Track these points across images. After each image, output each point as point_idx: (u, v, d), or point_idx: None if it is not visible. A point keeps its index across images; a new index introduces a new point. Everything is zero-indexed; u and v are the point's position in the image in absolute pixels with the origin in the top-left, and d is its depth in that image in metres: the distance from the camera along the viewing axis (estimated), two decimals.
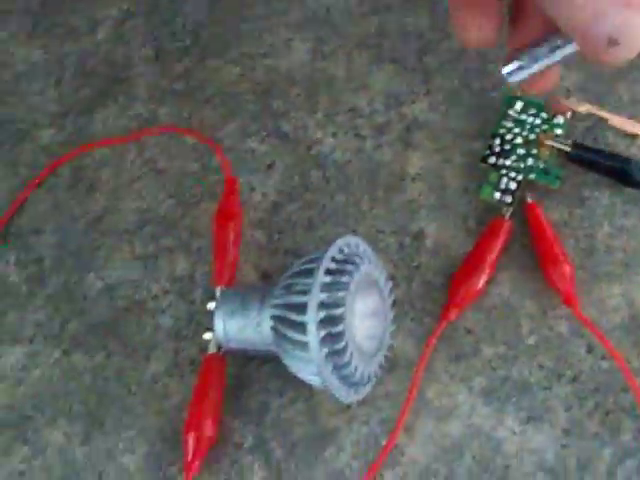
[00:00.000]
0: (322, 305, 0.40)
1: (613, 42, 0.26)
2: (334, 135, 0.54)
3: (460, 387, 0.46)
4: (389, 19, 0.58)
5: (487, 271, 0.47)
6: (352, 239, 0.43)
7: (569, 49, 0.30)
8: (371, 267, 0.43)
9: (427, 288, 0.49)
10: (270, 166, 0.54)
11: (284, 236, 0.52)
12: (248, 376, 0.48)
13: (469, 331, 0.47)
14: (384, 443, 0.45)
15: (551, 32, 0.30)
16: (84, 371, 0.49)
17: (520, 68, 0.31)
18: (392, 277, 0.49)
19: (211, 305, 0.46)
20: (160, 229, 0.53)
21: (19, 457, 0.47)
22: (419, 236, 0.50)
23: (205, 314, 0.49)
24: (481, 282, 0.47)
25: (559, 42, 0.30)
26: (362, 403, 0.46)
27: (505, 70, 0.32)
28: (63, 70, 0.61)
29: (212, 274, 0.51)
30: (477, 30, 0.32)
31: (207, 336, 0.47)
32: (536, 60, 0.31)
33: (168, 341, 0.49)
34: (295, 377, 0.46)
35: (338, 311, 0.40)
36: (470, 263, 0.48)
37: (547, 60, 0.31)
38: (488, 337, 0.47)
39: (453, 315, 0.47)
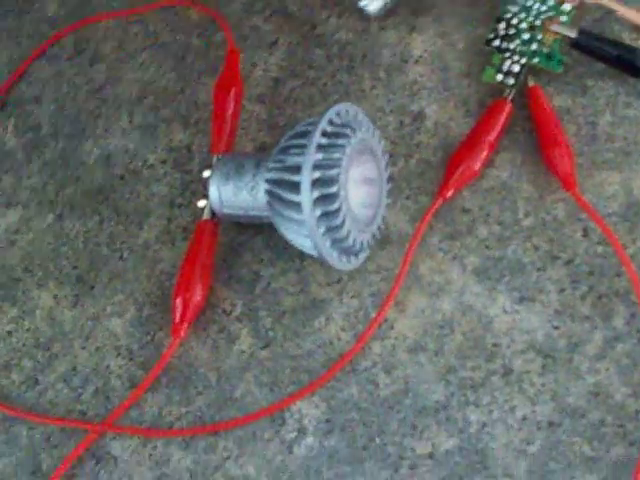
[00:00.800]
0: (317, 166, 0.40)
1: None
2: (339, 15, 0.54)
3: (453, 265, 0.45)
4: None
5: (485, 152, 0.46)
6: (350, 106, 0.42)
7: None
8: (368, 135, 0.43)
9: (425, 167, 0.48)
10: (273, 43, 0.54)
11: (284, 111, 0.51)
12: (240, 245, 0.48)
13: (465, 210, 0.46)
14: (374, 316, 0.45)
15: None
16: (76, 236, 0.50)
17: None
18: (390, 154, 0.49)
19: (206, 173, 0.46)
20: (160, 101, 0.54)
21: (7, 318, 0.48)
22: (419, 116, 0.49)
23: (200, 183, 0.49)
24: (479, 162, 0.46)
25: None
26: (353, 277, 0.46)
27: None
28: None
29: (210, 145, 0.51)
30: None
31: (201, 203, 0.47)
32: None
33: (162, 209, 0.50)
34: (288, 248, 0.46)
35: (333, 172, 0.40)
36: (469, 143, 0.47)
37: None
38: (484, 217, 0.46)
39: (449, 194, 0.46)
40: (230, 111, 0.50)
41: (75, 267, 0.49)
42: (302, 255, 0.47)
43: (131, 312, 0.48)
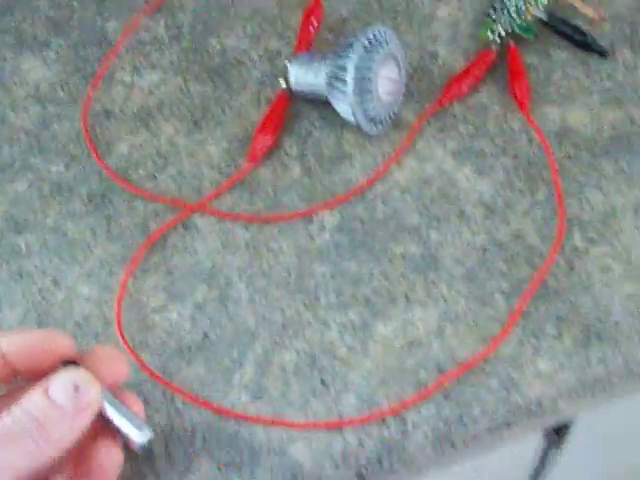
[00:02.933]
0: (360, 58, 0.60)
1: None
2: None
3: (439, 146, 0.64)
4: None
5: (472, 80, 0.65)
6: (384, 27, 0.61)
7: None
8: (395, 49, 0.62)
9: (431, 85, 0.67)
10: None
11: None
12: (303, 114, 0.67)
13: (454, 115, 0.65)
14: (381, 167, 0.65)
15: None
16: (196, 95, 0.67)
17: None
18: (410, 75, 0.67)
19: (287, 61, 0.65)
20: (266, 20, 0.72)
21: (140, 139, 0.67)
22: (434, 55, 0.68)
23: (284, 72, 0.67)
24: (466, 86, 0.65)
25: None
26: (372, 143, 0.64)
27: None
28: None
29: (295, 46, 0.69)
30: None
31: (282, 81, 0.66)
32: None
33: (255, 85, 0.68)
34: (334, 119, 0.65)
35: (368, 69, 0.60)
36: (463, 74, 0.66)
37: None
38: (464, 121, 0.65)
39: (445, 102, 0.65)
40: (312, 26, 0.69)
41: (191, 112, 0.66)
42: (343, 125, 0.65)
43: (224, 144, 0.65)
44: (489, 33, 0.67)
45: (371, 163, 0.64)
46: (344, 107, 0.61)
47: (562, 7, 0.69)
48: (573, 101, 0.65)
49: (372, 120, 0.62)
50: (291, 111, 0.67)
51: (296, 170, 0.64)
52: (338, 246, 0.60)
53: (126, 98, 0.69)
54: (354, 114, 0.61)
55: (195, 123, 0.67)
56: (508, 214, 0.60)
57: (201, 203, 0.63)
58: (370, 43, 0.60)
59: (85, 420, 0.43)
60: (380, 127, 0.63)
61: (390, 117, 0.64)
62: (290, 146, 0.65)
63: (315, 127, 0.66)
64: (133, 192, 0.64)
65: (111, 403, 0.45)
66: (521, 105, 0.64)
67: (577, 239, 0.59)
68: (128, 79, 0.69)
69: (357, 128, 0.63)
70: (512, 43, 0.67)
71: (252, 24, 0.72)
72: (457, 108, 0.66)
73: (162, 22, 0.72)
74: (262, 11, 0.73)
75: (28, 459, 0.41)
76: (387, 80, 0.62)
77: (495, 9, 0.68)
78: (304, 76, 0.64)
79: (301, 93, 0.65)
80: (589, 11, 0.67)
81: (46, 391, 0.42)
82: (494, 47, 0.67)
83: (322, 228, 0.61)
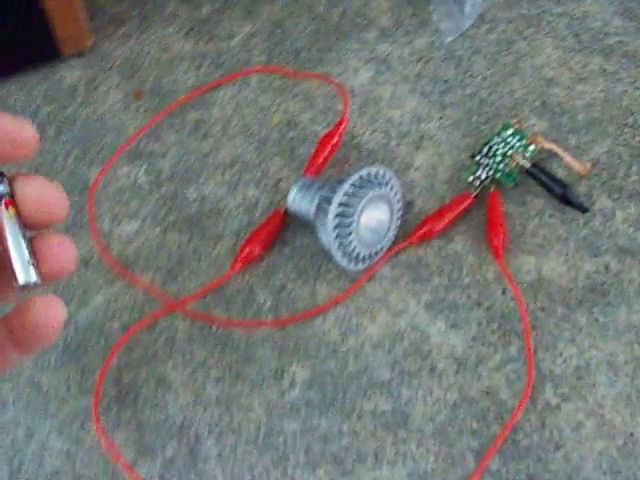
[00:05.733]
0: (346, 194, 0.63)
1: None
2: (372, 132, 0.76)
3: (412, 298, 0.66)
4: None
5: (446, 220, 0.68)
6: (382, 168, 0.65)
7: None
8: (391, 193, 0.66)
9: (404, 234, 0.69)
10: None
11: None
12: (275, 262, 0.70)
13: (428, 265, 0.67)
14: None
15: None
16: (173, 244, 0.70)
17: None
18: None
19: (293, 184, 0.69)
20: (245, 168, 0.75)
21: (117, 287, 0.69)
22: (410, 205, 0.71)
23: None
24: (440, 225, 0.68)
25: None
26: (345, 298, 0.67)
27: None
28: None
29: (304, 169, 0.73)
30: None
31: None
32: None
33: (231, 237, 0.71)
34: (307, 271, 0.68)
35: (350, 210, 0.63)
36: (437, 213, 0.68)
37: None
38: (439, 272, 0.67)
39: (415, 240, 0.68)
40: (324, 154, 0.73)
41: (168, 262, 0.70)
42: (316, 277, 0.68)
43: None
44: (470, 176, 0.70)
45: (344, 316, 0.66)
46: (325, 238, 0.64)
47: (547, 156, 0.72)
48: (549, 250, 0.67)
49: (350, 256, 0.66)
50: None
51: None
52: (308, 402, 0.63)
53: (106, 246, 0.72)
54: (330, 247, 0.64)
55: (170, 273, 0.69)
56: (480, 369, 0.62)
57: (182, 301, 0.64)
58: (362, 181, 0.64)
59: None
60: (360, 265, 0.67)
61: (372, 256, 0.67)
62: (264, 300, 0.68)
63: (289, 279, 0.68)
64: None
65: (14, 234, 0.40)
66: (496, 255, 0.66)
67: (549, 394, 0.60)
68: (107, 228, 0.72)
69: (336, 267, 0.67)
70: (493, 189, 0.69)
71: (231, 172, 0.75)
72: (432, 258, 0.68)
73: (142, 169, 0.76)
74: (241, 158, 0.76)
75: None
76: (373, 220, 0.66)
77: (482, 153, 0.71)
78: (300, 200, 0.68)
79: (295, 215, 0.69)
80: (575, 164, 0.69)
81: None
82: (473, 190, 0.69)
83: (293, 383, 0.63)
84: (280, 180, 0.74)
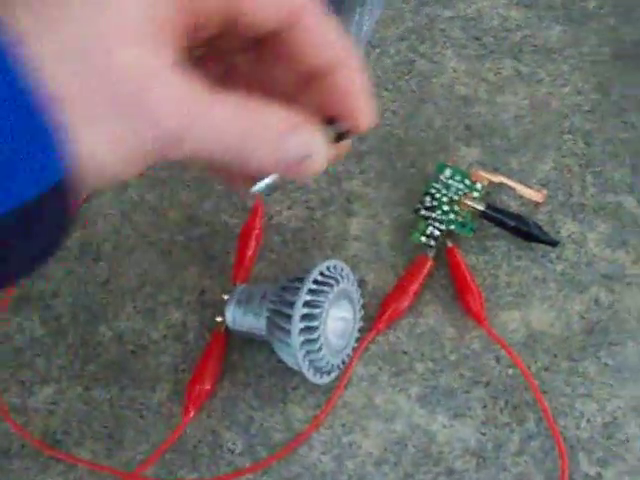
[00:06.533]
0: (305, 303, 0.54)
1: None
2: (289, 208, 0.67)
3: (400, 395, 0.58)
4: None
5: (410, 298, 0.61)
6: (339, 262, 0.57)
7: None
8: (349, 285, 0.57)
9: (368, 314, 0.61)
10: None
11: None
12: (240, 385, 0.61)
13: (405, 352, 0.59)
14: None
15: None
16: (103, 402, 0.61)
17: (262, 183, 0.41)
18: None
19: (225, 296, 0.59)
20: (156, 288, 0.65)
21: (55, 473, 0.59)
22: (361, 284, 0.62)
23: (200, 350, 0.61)
24: (405, 304, 0.60)
25: None
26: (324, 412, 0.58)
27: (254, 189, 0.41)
28: None
29: (232, 276, 0.63)
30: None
31: (219, 319, 0.60)
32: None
33: (168, 375, 0.61)
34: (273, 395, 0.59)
35: (317, 311, 0.54)
36: (397, 290, 0.61)
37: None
38: (419, 356, 0.59)
39: (382, 327, 0.60)
40: (249, 253, 0.64)
41: (105, 426, 0.60)
42: (285, 399, 0.59)
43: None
44: (421, 236, 0.63)
45: (331, 437, 0.58)
46: (287, 355, 0.56)
47: (494, 189, 0.65)
48: (530, 298, 0.61)
49: (321, 370, 0.57)
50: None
51: (245, 464, 0.58)
52: None
53: (24, 425, 0.61)
54: (300, 367, 0.55)
55: (110, 438, 0.59)
56: (502, 457, 0.56)
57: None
58: (320, 280, 0.56)
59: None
60: (331, 375, 0.59)
61: (343, 362, 0.59)
62: (233, 442, 0.59)
63: (253, 409, 0.60)
64: None
65: None
66: (479, 320, 0.60)
67: (585, 465, 0.55)
68: (17, 402, 0.61)
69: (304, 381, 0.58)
70: (449, 243, 0.62)
71: (141, 296, 0.65)
72: (406, 342, 0.61)
73: (36, 318, 0.64)
74: (149, 276, 0.66)
75: None
76: (338, 320, 0.58)
77: (425, 205, 0.63)
78: (242, 317, 0.59)
79: (239, 333, 0.60)
80: (531, 194, 0.63)
81: None
82: (429, 251, 0.62)
83: None
84: (204, 291, 0.64)
